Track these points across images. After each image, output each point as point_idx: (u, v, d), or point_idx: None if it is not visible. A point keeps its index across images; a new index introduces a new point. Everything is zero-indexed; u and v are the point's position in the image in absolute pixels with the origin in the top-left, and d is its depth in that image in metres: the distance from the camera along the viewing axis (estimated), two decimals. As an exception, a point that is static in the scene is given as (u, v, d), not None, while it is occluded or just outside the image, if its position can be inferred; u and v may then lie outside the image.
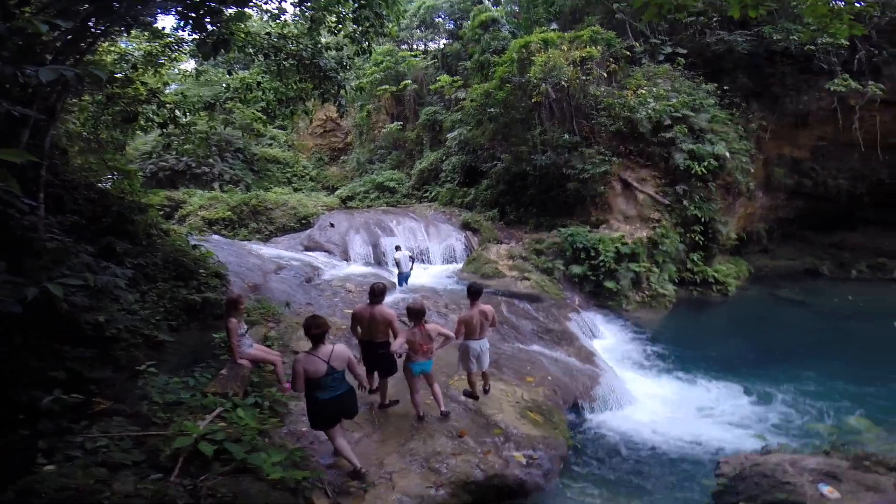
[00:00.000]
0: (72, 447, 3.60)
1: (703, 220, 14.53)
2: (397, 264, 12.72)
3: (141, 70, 8.54)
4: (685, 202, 14.57)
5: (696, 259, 14.74)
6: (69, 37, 4.81)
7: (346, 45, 8.59)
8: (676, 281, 14.34)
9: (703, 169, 14.37)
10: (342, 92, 8.41)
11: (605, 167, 14.98)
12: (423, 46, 28.26)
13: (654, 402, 7.90)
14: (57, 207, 6.46)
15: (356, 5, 7.38)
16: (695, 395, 8.23)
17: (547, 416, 6.44)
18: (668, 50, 17.42)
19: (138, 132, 11.45)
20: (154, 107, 8.76)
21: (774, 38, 15.60)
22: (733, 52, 16.28)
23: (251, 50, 7.73)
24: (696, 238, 14.63)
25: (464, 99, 20.61)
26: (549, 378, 7.48)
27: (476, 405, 6.26)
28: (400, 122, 25.12)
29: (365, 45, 7.83)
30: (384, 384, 6.06)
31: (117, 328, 5.69)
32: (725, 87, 16.19)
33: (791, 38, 15.33)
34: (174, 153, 21.75)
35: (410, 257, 13.17)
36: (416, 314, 5.58)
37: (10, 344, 4.36)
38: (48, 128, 5.73)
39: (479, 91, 17.74)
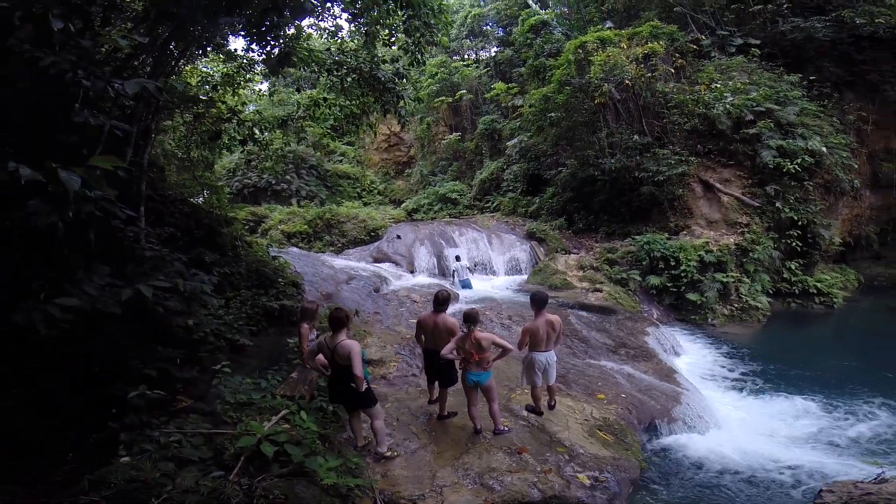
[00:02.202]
0: (148, 441, 3.84)
1: (800, 223, 13.13)
2: (455, 273, 14.04)
3: (221, 91, 9.32)
4: (778, 204, 13.23)
5: (793, 268, 13.26)
6: (152, 60, 5.31)
7: (400, 56, 8.84)
8: (771, 292, 12.98)
9: (796, 166, 13.06)
10: (401, 103, 8.61)
11: (683, 168, 14.03)
12: (474, 56, 28.44)
13: (743, 425, 7.08)
14: (157, 220, 7.11)
15: (405, 16, 7.55)
16: (792, 418, 7.29)
17: (618, 435, 5.95)
18: (739, 41, 16.36)
19: (224, 151, 12.49)
20: (235, 125, 9.48)
21: (857, 22, 14.34)
22: (813, 40, 15.08)
23: (315, 67, 8.15)
24: (794, 244, 13.19)
25: (521, 106, 20.35)
26: (623, 395, 6.98)
27: (539, 421, 5.93)
28: (458, 133, 25.28)
29: (418, 55, 7.98)
30: (444, 395, 5.92)
31: (204, 331, 6.02)
32: (812, 78, 14.93)
33: (877, 21, 14.05)
34: (256, 171, 23.52)
35: (467, 267, 14.28)
36: (467, 318, 5.41)
37: (115, 346, 4.77)
38: (145, 146, 6.33)
39: (537, 96, 17.37)
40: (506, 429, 5.61)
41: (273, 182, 23.98)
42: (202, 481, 3.21)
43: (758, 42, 15.92)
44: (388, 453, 5.08)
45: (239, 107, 10.27)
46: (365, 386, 4.76)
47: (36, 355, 3.99)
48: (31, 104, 3.76)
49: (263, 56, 6.45)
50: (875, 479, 4.27)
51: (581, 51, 15.47)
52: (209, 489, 3.12)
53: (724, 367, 9.51)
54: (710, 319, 12.03)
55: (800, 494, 5.37)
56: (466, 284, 13.59)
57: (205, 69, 10.09)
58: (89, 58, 3.55)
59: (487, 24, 27.99)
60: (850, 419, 7.17)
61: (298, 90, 10.32)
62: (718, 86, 14.61)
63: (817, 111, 14.15)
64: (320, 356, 5.71)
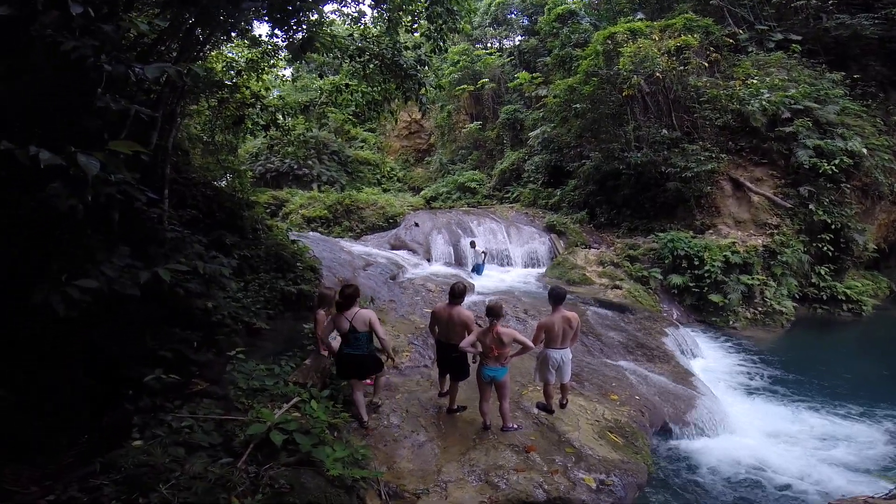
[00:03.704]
0: (161, 425, 3.89)
1: (833, 227, 12.60)
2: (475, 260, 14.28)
3: (245, 76, 9.36)
4: (811, 206, 12.71)
5: (823, 273, 12.78)
6: (178, 45, 5.33)
7: (422, 43, 8.73)
8: (797, 297, 12.55)
9: (833, 168, 12.49)
10: (423, 90, 8.52)
11: (712, 165, 13.57)
12: (497, 44, 27.90)
13: (758, 432, 6.90)
14: (180, 202, 7.21)
15: (428, 2, 7.44)
16: (809, 427, 7.09)
17: (629, 438, 5.85)
18: (779, 36, 15.69)
19: (247, 136, 12.61)
20: (258, 110, 9.52)
21: None
22: (860, 38, 14.43)
23: (337, 53, 8.11)
24: (825, 248, 12.69)
25: (545, 96, 19.96)
26: (637, 397, 6.86)
27: (549, 420, 5.87)
28: (479, 122, 24.95)
29: (440, 42, 7.87)
30: (454, 388, 5.90)
31: (222, 314, 6.11)
32: (856, 76, 14.27)
33: None
34: (278, 155, 23.72)
35: (483, 252, 14.33)
36: (490, 312, 5.34)
37: (130, 327, 4.86)
38: (171, 130, 6.41)
39: (562, 87, 17.01)
40: (514, 426, 5.58)
41: (295, 167, 24.19)
42: (210, 468, 3.25)
43: (799, 38, 15.25)
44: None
45: (262, 92, 10.30)
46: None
47: (52, 336, 4.07)
48: (54, 89, 3.80)
49: (287, 42, 6.46)
50: (886, 494, 4.15)
51: (610, 42, 15.02)
52: (216, 476, 3.16)
53: (742, 371, 9.26)
54: (731, 322, 11.72)
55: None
56: (478, 270, 13.97)
57: (230, 54, 10.16)
58: (112, 42, 3.55)
59: (512, 13, 27.43)
60: (869, 431, 6.95)
61: (321, 76, 10.29)
62: (755, 81, 14.06)
63: (860, 111, 13.50)
64: (336, 343, 5.76)
